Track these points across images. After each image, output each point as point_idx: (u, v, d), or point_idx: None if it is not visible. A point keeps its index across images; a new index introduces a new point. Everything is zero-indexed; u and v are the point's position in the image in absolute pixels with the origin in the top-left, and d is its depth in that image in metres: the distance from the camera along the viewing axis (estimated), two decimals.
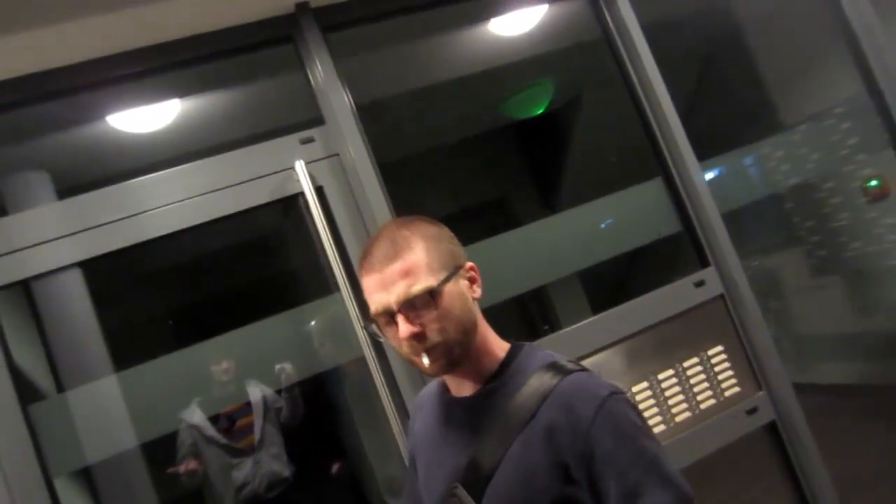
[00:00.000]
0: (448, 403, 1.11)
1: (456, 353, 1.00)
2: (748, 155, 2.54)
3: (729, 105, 3.11)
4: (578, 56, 2.65)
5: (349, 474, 3.74)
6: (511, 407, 0.99)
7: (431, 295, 0.97)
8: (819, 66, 2.90)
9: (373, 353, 1.82)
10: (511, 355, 1.07)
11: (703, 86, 3.00)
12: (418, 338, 0.97)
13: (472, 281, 1.06)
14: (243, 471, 2.99)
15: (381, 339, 1.05)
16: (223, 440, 2.92)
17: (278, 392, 3.03)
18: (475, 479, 0.99)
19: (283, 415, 3.09)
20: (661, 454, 0.95)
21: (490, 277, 2.00)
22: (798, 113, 3.06)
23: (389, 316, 0.99)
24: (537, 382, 0.99)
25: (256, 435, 3.00)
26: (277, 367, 2.41)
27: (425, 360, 0.99)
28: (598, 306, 2.15)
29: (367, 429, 3.10)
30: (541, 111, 2.95)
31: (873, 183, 2.97)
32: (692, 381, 2.11)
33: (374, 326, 1.03)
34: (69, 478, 1.84)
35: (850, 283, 3.70)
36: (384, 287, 0.99)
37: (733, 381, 2.14)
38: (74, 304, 2.22)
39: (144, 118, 2.12)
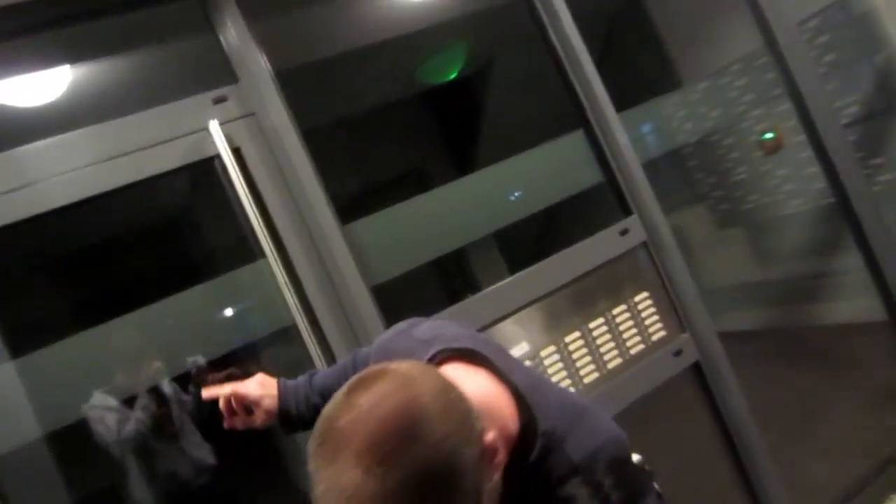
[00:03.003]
0: None
1: None
2: (652, 110, 2.62)
3: (635, 64, 3.22)
4: (491, 19, 2.64)
5: (273, 452, 3.62)
6: None
7: None
8: (718, 23, 3.04)
9: (304, 321, 1.74)
10: (525, 441, 0.87)
11: (610, 45, 3.08)
12: None
13: (490, 462, 0.79)
14: (170, 460, 2.82)
15: None
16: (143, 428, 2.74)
17: (185, 389, 2.87)
18: None
19: (190, 408, 2.93)
20: None
21: (405, 242, 1.99)
22: (699, 71, 3.20)
23: None
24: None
25: (176, 424, 2.83)
26: (190, 360, 2.28)
27: None
28: (517, 267, 2.16)
29: None
30: (454, 76, 2.93)
31: (768, 136, 3.16)
32: (621, 327, 2.18)
33: None
34: None
35: (750, 234, 3.96)
36: None
37: (659, 325, 2.22)
38: None
39: (35, 87, 1.91)
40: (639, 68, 3.25)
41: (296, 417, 1.24)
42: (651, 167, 2.34)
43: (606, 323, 2.16)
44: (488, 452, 0.76)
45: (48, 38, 1.78)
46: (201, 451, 2.92)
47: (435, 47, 2.67)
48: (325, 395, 1.17)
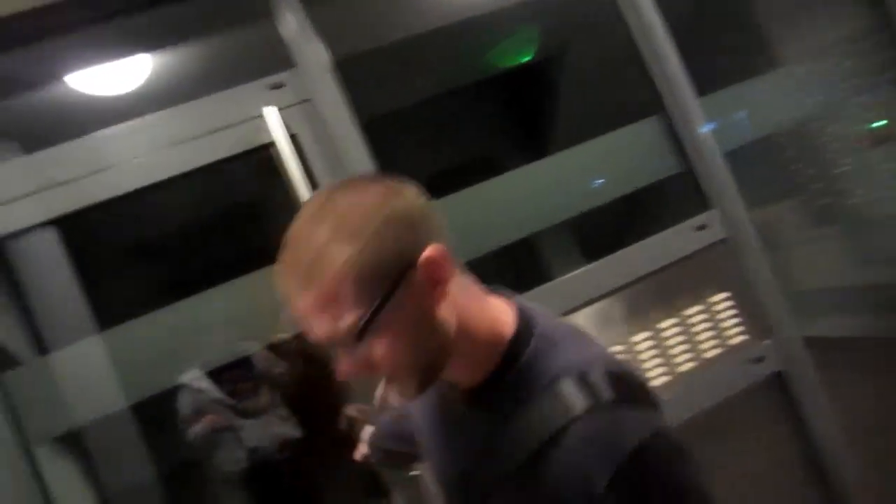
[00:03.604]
0: (445, 389, 0.89)
1: (424, 376, 0.77)
2: (744, 93, 2.41)
3: (724, 46, 2.98)
4: (565, 1, 2.52)
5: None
6: (514, 431, 0.77)
7: (362, 334, 0.70)
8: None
9: None
10: (519, 342, 0.82)
11: (697, 25, 2.87)
12: (364, 375, 0.75)
13: (433, 282, 0.75)
14: (253, 432, 2.89)
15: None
16: (230, 401, 2.82)
17: (277, 357, 2.93)
18: (470, 491, 0.84)
19: (283, 379, 2.99)
20: None
21: (471, 229, 1.92)
22: (798, 52, 2.93)
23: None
24: (548, 409, 0.75)
25: (262, 396, 2.90)
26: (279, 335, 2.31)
27: (389, 394, 0.78)
28: (591, 257, 2.05)
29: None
30: (527, 60, 2.83)
31: (878, 125, 2.86)
32: (695, 329, 2.02)
33: None
34: (53, 444, 1.76)
35: (849, 233, 3.62)
36: (303, 318, 0.73)
37: (739, 329, 2.05)
38: (51, 264, 2.11)
39: (109, 77, 2.01)
40: (729, 50, 3.01)
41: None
42: (740, 156, 2.15)
43: (680, 323, 2.02)
44: (427, 266, 0.74)
45: (118, 27, 1.84)
46: (286, 425, 2.99)
47: (506, 31, 2.57)
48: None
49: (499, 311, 0.84)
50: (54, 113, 2.02)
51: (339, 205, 0.73)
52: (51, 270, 2.17)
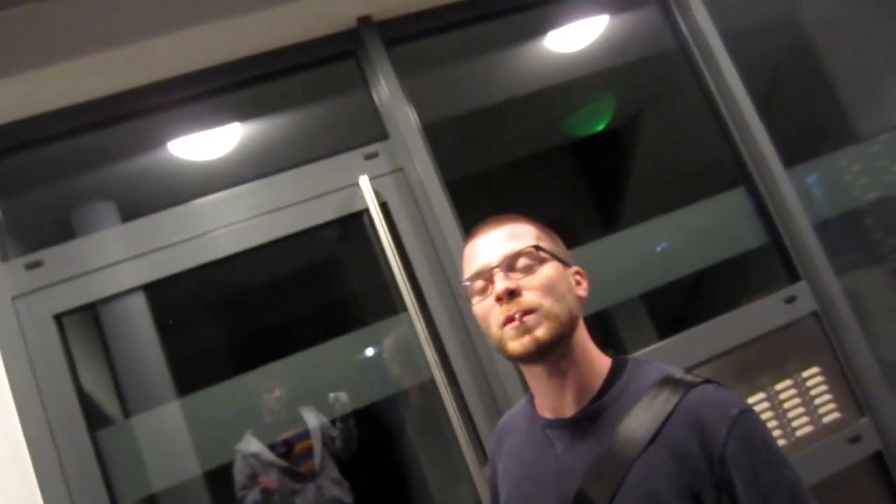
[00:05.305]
0: (543, 427, 0.96)
1: (554, 327, 0.88)
2: (826, 165, 2.38)
3: (803, 117, 2.96)
4: (643, 69, 2.56)
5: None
6: (625, 430, 0.86)
7: (536, 257, 0.90)
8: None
9: (443, 376, 1.72)
10: (616, 370, 0.94)
11: (776, 96, 2.86)
12: (513, 295, 0.88)
13: (578, 283, 0.97)
14: (305, 496, 2.89)
15: (473, 306, 0.95)
16: (283, 464, 2.84)
17: (332, 422, 2.95)
18: None
19: (336, 445, 3.00)
20: (801, 482, 0.84)
21: None
22: (876, 123, 2.88)
23: (486, 277, 0.91)
24: (655, 400, 0.86)
25: (317, 460, 2.91)
26: (332, 395, 2.34)
27: (517, 323, 0.87)
28: (664, 333, 2.01)
29: (430, 460, 2.99)
30: (602, 127, 2.86)
31: None
32: (785, 405, 1.94)
33: (466, 291, 0.96)
34: None
35: None
36: (486, 246, 0.93)
37: (832, 406, 1.95)
38: (138, 328, 2.20)
39: (206, 144, 2.12)
40: (808, 121, 2.98)
41: None
42: (822, 227, 2.11)
43: (768, 399, 1.94)
44: (576, 273, 0.98)
45: (219, 102, 1.96)
46: (339, 490, 2.98)
47: (583, 99, 2.62)
48: None
49: (598, 351, 0.98)
50: (152, 180, 2.13)
51: (513, 215, 0.98)
52: (138, 334, 2.27)
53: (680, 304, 2.34)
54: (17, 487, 1.51)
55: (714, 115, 2.14)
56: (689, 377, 0.89)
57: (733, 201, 2.11)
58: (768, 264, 2.11)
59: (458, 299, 1.80)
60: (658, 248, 2.07)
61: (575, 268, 0.98)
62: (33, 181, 1.97)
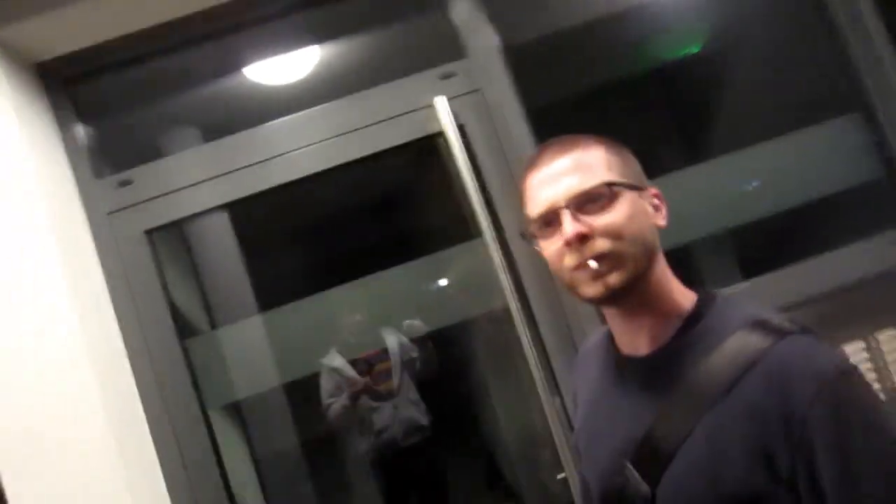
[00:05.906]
0: (619, 362, 0.92)
1: (629, 270, 0.81)
2: None
3: None
4: None
5: (480, 438, 3.71)
6: (703, 373, 0.79)
7: (608, 194, 0.82)
8: None
9: (517, 305, 1.68)
10: (701, 307, 0.86)
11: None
12: (584, 240, 0.80)
13: (656, 209, 0.89)
14: (383, 415, 3.01)
15: (537, 248, 0.89)
16: (364, 380, 2.95)
17: (413, 342, 3.02)
18: (651, 457, 0.80)
19: (417, 366, 3.08)
20: None
21: None
22: None
23: (552, 217, 0.83)
24: (740, 344, 0.78)
25: (395, 380, 3.01)
26: (406, 322, 2.38)
27: (589, 268, 0.80)
28: (755, 271, 1.87)
29: (501, 389, 3.02)
30: (696, 51, 2.65)
31: None
32: (889, 356, 1.79)
33: (530, 232, 0.88)
34: (220, 411, 1.90)
35: None
36: (551, 181, 0.84)
37: None
38: (223, 245, 2.29)
39: (280, 69, 2.13)
40: None
41: None
42: None
43: (867, 349, 1.80)
44: (654, 196, 0.90)
45: (292, 22, 1.93)
46: (416, 410, 3.09)
47: (678, 17, 2.40)
48: None
49: (681, 285, 0.90)
50: (232, 102, 2.16)
51: (579, 138, 0.88)
52: (222, 251, 2.36)
53: (773, 242, 2.18)
54: (117, 387, 1.63)
55: (829, 33, 1.90)
56: (784, 323, 0.79)
57: (844, 130, 1.90)
58: (877, 202, 1.92)
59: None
60: (749, 180, 1.92)
61: (652, 190, 0.90)
62: (122, 104, 2.03)
